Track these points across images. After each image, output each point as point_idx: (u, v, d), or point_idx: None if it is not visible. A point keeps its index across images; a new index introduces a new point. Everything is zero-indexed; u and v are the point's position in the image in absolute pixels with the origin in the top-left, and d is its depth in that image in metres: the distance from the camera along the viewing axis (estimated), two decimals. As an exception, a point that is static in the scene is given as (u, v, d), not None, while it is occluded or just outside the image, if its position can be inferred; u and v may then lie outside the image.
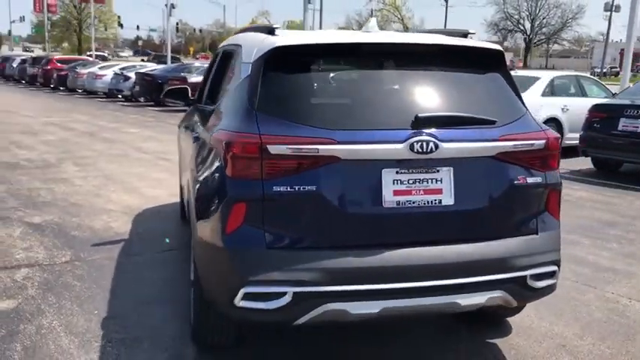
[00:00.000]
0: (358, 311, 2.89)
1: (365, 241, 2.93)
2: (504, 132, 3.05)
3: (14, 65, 37.11)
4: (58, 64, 31.83)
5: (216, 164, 3.02)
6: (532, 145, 3.10)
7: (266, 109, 2.95)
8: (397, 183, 2.91)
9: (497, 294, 3.05)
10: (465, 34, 3.60)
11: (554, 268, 3.21)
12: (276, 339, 3.74)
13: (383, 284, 2.88)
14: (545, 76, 11.59)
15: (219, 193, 2.96)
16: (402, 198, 2.92)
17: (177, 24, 75.86)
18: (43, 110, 19.66)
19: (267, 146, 2.80)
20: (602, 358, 3.63)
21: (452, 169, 2.97)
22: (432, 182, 2.96)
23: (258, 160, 2.82)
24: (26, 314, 4.01)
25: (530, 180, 3.12)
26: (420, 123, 2.91)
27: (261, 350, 3.64)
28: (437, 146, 2.89)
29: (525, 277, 3.09)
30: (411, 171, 2.92)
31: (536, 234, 3.20)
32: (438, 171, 2.96)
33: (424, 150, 2.87)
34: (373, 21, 3.58)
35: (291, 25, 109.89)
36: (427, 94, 3.16)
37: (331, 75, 3.19)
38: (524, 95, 10.13)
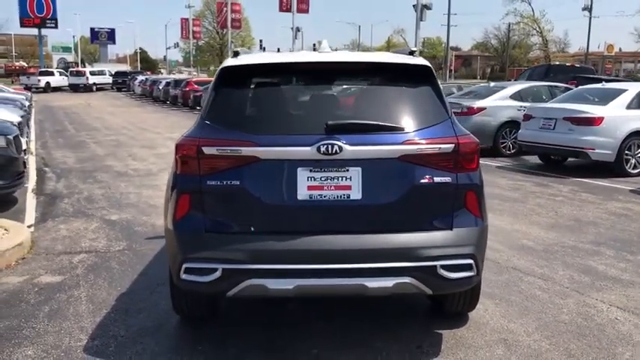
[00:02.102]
0: (275, 287, 3.42)
1: (282, 228, 3.47)
2: (410, 137, 3.45)
3: (160, 87, 40.81)
4: (195, 86, 34.70)
5: (174, 164, 3.73)
6: (439, 148, 3.46)
7: (211, 118, 3.61)
8: (311, 180, 3.43)
9: (404, 280, 3.43)
10: (410, 52, 4.02)
11: (469, 261, 3.51)
12: (251, 314, 4.36)
13: (296, 265, 3.40)
14: (633, 88, 11.10)
15: (172, 187, 3.66)
16: (314, 192, 3.43)
17: (314, 45, 78.98)
18: (171, 127, 21.74)
19: (203, 148, 3.46)
20: (535, 352, 3.82)
21: (360, 169, 3.42)
22: (342, 180, 3.43)
23: (196, 159, 3.48)
24: (65, 287, 4.97)
25: (438, 180, 3.47)
26: (330, 129, 3.40)
27: (237, 323, 4.26)
28: (341, 149, 3.36)
29: (435, 267, 3.43)
30: (323, 170, 3.42)
31: (451, 229, 3.53)
32: (347, 170, 3.43)
33: (329, 152, 3.36)
34: (324, 42, 4.09)
35: (427, 42, 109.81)
36: (344, 105, 3.66)
37: (261, 89, 3.77)
38: (604, 108, 9.92)
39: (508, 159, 13.08)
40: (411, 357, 3.74)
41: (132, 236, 6.59)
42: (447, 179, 3.49)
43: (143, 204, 8.34)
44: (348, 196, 3.43)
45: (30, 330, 4.10)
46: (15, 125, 10.40)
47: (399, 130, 3.48)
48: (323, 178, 3.43)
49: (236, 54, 3.98)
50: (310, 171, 3.42)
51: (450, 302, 4.13)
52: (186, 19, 65.95)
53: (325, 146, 3.36)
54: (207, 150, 3.45)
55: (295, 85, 3.84)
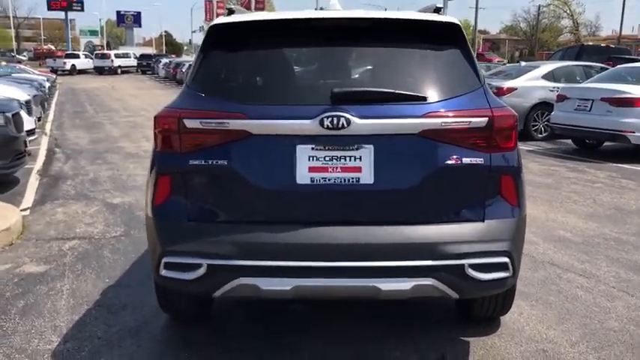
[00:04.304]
0: (269, 287, 2.86)
1: (277, 217, 2.90)
2: (433, 109, 2.84)
3: (183, 70, 40.41)
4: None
5: (153, 141, 3.18)
6: (468, 123, 2.85)
7: (196, 86, 3.05)
8: (312, 159, 2.84)
9: (425, 282, 2.84)
10: (436, 9, 3.38)
11: (503, 259, 2.90)
12: (247, 315, 3.81)
13: (294, 262, 2.83)
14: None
15: (152, 167, 3.11)
16: (316, 175, 2.85)
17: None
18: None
19: (184, 120, 2.90)
20: (581, 367, 3.21)
21: (372, 147, 2.83)
22: (350, 160, 2.84)
23: (177, 133, 2.92)
24: (48, 278, 4.48)
25: (467, 161, 2.86)
26: (336, 99, 2.81)
27: (230, 326, 3.72)
28: (349, 122, 2.77)
29: (462, 266, 2.84)
30: (327, 148, 2.84)
31: (482, 221, 2.93)
32: (357, 148, 2.84)
33: (335, 126, 2.77)
34: (334, 0, 3.49)
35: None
36: (354, 71, 3.05)
37: (256, 51, 3.17)
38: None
39: (540, 143, 12.32)
40: (431, 370, 3.17)
41: (131, 221, 6.09)
42: (479, 160, 2.88)
43: (149, 187, 7.84)
44: (358, 180, 2.85)
45: (-3, 328, 3.62)
46: (22, 103, 10.02)
47: (420, 99, 2.87)
48: (327, 158, 2.85)
49: (230, 12, 3.39)
50: (312, 149, 2.84)
51: (479, 305, 3.53)
52: (210, 2, 65.29)
53: (330, 119, 2.77)
54: (189, 123, 2.89)
55: (296, 47, 3.24)
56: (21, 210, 6.45)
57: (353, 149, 2.83)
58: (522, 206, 3.04)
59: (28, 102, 10.58)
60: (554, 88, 12.28)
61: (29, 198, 7.14)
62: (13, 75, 19.45)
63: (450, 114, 2.84)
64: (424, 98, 2.87)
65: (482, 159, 2.88)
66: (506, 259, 2.91)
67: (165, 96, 28.19)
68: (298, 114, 2.81)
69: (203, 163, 2.89)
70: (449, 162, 2.85)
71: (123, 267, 4.73)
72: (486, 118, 2.87)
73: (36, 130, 11.20)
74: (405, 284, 2.84)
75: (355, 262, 2.82)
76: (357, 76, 3.10)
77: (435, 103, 2.87)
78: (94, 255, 5.03)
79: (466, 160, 2.86)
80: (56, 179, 8.35)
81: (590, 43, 30.81)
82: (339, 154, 2.84)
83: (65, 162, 9.86)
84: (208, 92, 2.99)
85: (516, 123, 3.01)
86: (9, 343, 3.43)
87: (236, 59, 3.14)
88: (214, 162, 2.88)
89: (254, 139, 2.85)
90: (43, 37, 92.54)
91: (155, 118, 3.03)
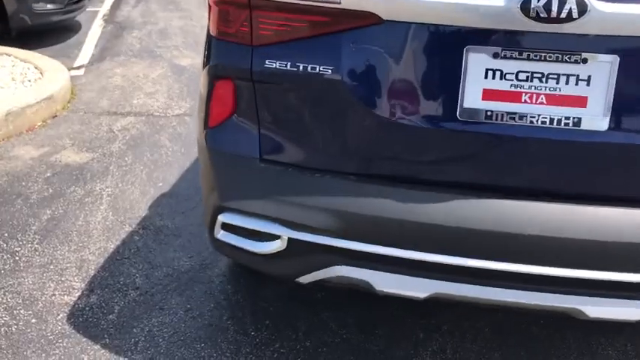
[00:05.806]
0: (389, 289, 1.71)
1: (417, 173, 1.66)
2: None
3: None
4: None
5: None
6: None
7: None
8: (494, 76, 1.52)
9: (667, 309, 1.60)
10: None
11: None
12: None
13: (438, 254, 1.62)
14: None
15: (205, 62, 1.91)
16: (499, 106, 1.54)
17: None
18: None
19: (259, -14, 1.60)
20: None
21: (616, 60, 1.46)
22: (568, 82, 1.50)
23: (245, 7, 1.65)
24: (88, 175, 3.50)
25: None
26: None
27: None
28: (584, 8, 1.39)
29: None
30: (525, 55, 1.50)
31: None
32: (585, 61, 1.48)
33: (552, 14, 1.40)
34: None
35: None
36: None
37: None
38: None
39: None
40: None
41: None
42: None
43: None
44: (578, 122, 1.52)
45: (7, 258, 2.69)
46: None
47: None
48: (523, 77, 1.52)
49: None
50: (495, 57, 1.51)
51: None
52: None
53: (544, 0, 1.40)
54: (268, -9, 1.60)
55: None
56: (75, 67, 5.48)
57: (577, 62, 1.48)
58: None
59: None
60: None
61: (87, 52, 6.10)
62: None
63: None
64: None
65: None
66: None
67: None
68: None
69: (290, 66, 1.63)
70: None
71: (182, 165, 3.68)
72: None
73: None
74: (630, 311, 1.61)
75: (548, 266, 1.58)
76: None
77: None
78: (148, 141, 3.99)
79: None
80: (122, 28, 7.24)
81: None
82: (547, 69, 1.50)
83: (135, 5, 8.70)
84: None
85: None
86: (17, 286, 2.49)
87: None
88: (309, 67, 1.61)
89: (386, 29, 1.53)
90: None
91: (210, -23, 1.75)
